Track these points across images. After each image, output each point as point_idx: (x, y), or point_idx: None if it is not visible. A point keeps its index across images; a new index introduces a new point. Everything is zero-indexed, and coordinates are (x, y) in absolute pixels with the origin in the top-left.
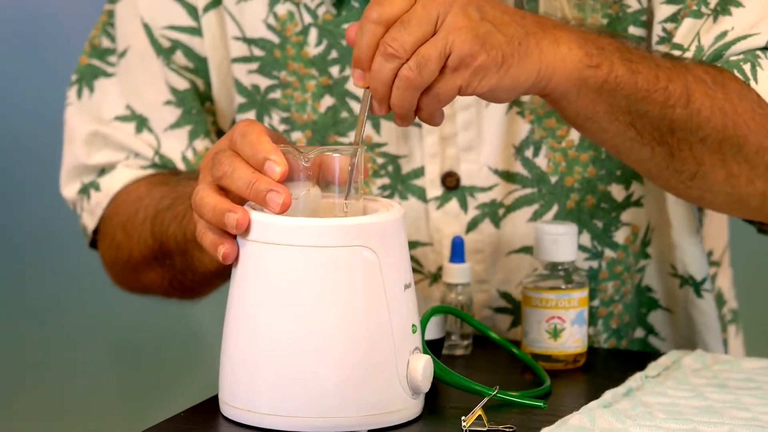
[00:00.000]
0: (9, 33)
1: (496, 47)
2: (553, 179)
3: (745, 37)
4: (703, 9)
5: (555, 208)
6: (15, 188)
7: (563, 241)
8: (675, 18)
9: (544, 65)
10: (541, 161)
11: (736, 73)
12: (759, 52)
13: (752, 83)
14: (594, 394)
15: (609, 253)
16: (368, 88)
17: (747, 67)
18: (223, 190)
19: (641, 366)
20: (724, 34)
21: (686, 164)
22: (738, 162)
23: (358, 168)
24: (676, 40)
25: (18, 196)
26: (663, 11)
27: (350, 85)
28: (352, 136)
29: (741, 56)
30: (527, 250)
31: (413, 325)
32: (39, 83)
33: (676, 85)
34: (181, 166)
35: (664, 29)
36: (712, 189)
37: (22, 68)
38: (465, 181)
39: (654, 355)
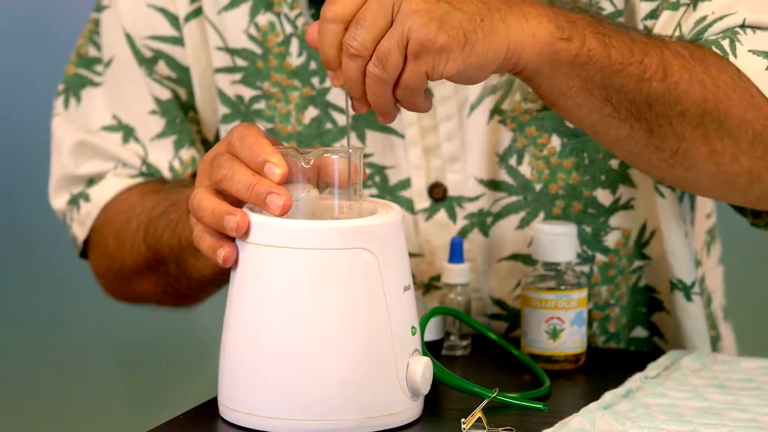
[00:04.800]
0: (9, 33)
1: (455, 27)
2: (538, 186)
3: (722, 18)
4: None
5: (541, 215)
6: (18, 191)
7: (562, 241)
8: (654, 14)
9: (513, 40)
10: (525, 169)
11: (714, 49)
12: (738, 29)
13: (731, 57)
14: (594, 395)
15: (600, 257)
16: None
17: (726, 43)
18: (221, 194)
19: (641, 367)
20: (703, 18)
21: (667, 141)
22: (720, 137)
23: (356, 169)
24: (655, 32)
25: (21, 198)
26: (643, 8)
27: (332, 96)
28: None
29: (720, 34)
30: (517, 257)
31: (413, 327)
32: (46, 84)
33: (651, 58)
34: (168, 175)
35: (645, 27)
36: (696, 167)
37: (26, 68)
38: (452, 192)
39: (653, 355)
